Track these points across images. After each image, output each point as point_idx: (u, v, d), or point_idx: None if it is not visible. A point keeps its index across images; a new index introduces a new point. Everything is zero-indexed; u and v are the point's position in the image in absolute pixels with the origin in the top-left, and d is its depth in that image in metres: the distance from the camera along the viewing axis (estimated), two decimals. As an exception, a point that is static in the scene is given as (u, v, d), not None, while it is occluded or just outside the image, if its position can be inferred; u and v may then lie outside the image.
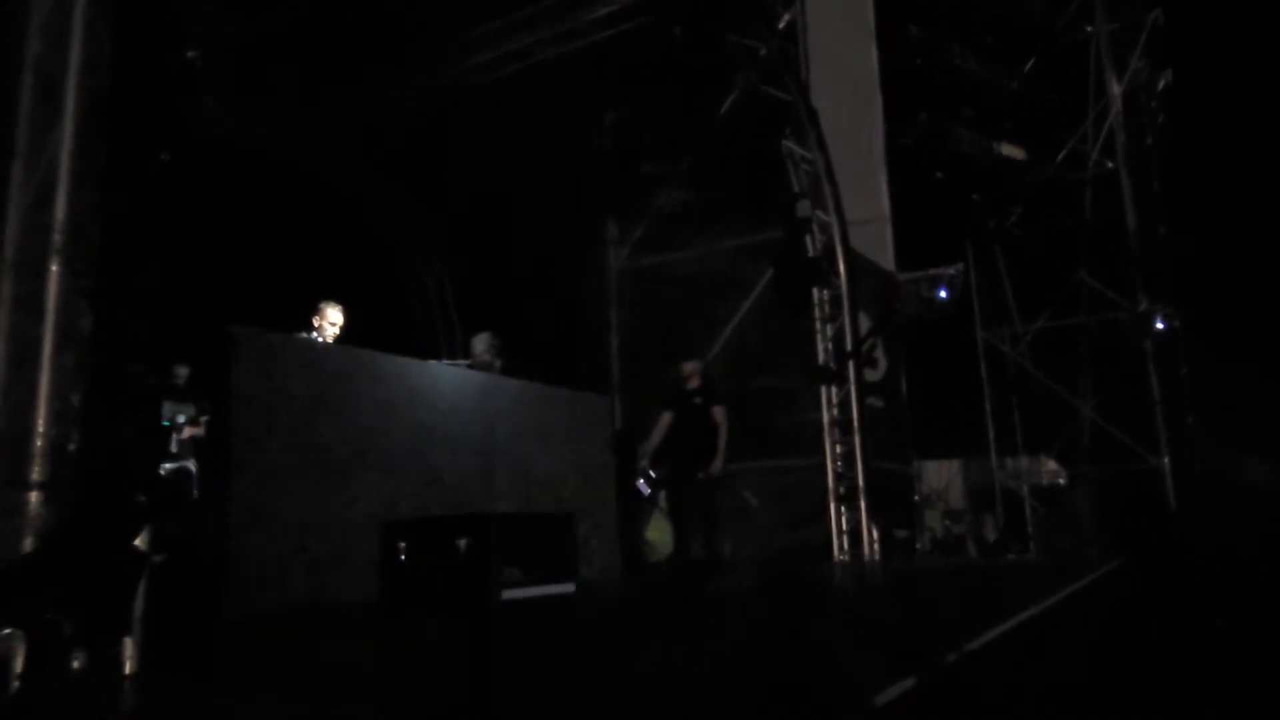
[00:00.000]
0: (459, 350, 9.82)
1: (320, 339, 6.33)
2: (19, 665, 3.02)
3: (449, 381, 6.91)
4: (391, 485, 5.88)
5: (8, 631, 3.04)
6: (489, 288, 10.04)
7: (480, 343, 7.45)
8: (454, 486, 6.32)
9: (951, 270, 11.30)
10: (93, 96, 3.48)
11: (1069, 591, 5.86)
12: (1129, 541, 10.86)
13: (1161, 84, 13.08)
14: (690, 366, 7.44)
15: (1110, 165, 12.58)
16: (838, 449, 9.54)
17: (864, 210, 10.28)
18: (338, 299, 6.57)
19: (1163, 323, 11.98)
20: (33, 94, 3.42)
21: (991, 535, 12.25)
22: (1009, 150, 12.24)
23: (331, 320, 6.38)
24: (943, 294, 11.29)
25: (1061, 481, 12.92)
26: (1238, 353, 13.79)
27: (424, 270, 10.83)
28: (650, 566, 9.32)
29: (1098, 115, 12.67)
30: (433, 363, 7.47)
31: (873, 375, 10.16)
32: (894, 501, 10.06)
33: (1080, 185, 12.65)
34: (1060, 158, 12.75)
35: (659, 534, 10.00)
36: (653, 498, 7.20)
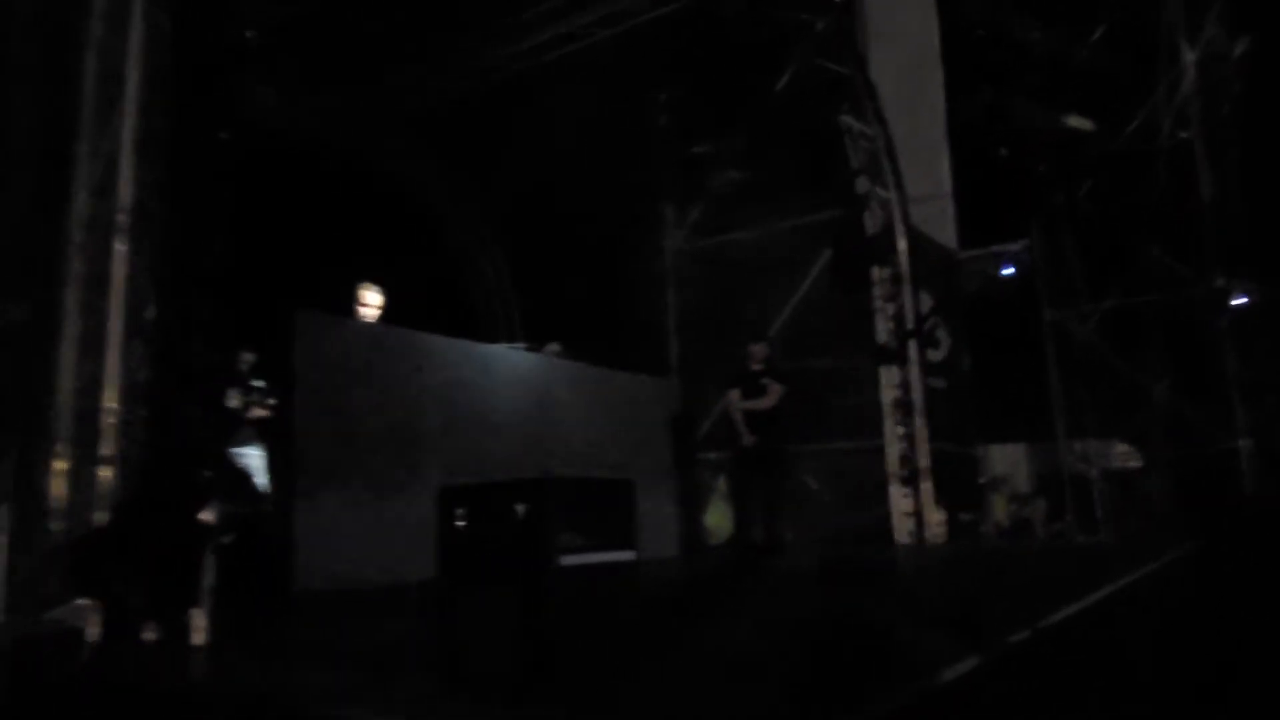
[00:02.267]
0: (517, 334, 9.87)
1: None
2: (92, 635, 3.10)
3: (508, 364, 6.94)
4: (451, 464, 5.92)
5: (81, 602, 3.13)
6: (545, 271, 10.05)
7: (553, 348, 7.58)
8: (512, 466, 6.34)
9: (1016, 247, 10.98)
10: (153, 78, 3.53)
11: (1142, 574, 5.66)
12: (1206, 525, 10.46)
13: (1239, 51, 12.48)
14: (758, 348, 7.37)
15: (1184, 136, 12.05)
16: (899, 430, 9.34)
17: (925, 186, 10.03)
18: (392, 283, 6.61)
19: (1241, 299, 11.47)
20: (95, 76, 3.48)
21: (1040, 519, 11.88)
22: (1076, 122, 11.81)
23: (370, 302, 6.41)
24: (1007, 271, 10.98)
25: (1134, 465, 12.49)
26: (1323, 329, 13.13)
27: (481, 255, 10.89)
28: (708, 549, 9.27)
29: (1170, 85, 12.14)
30: (492, 346, 7.51)
31: (935, 355, 9.93)
32: (958, 484, 9.84)
33: (1152, 157, 12.15)
34: (1131, 129, 12.26)
35: (717, 517, 9.94)
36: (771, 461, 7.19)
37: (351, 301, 6.37)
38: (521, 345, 7.93)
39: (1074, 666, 3.29)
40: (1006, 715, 2.68)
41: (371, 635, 3.55)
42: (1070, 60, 11.91)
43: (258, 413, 7.18)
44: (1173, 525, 11.08)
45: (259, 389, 7.18)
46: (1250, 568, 6.83)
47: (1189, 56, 12.10)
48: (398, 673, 2.54)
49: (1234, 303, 11.51)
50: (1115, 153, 12.06)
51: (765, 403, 6.97)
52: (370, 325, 6.27)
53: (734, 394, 7.27)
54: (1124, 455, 12.59)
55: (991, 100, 11.23)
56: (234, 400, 7.04)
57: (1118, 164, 12.05)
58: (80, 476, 3.24)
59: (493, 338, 9.69)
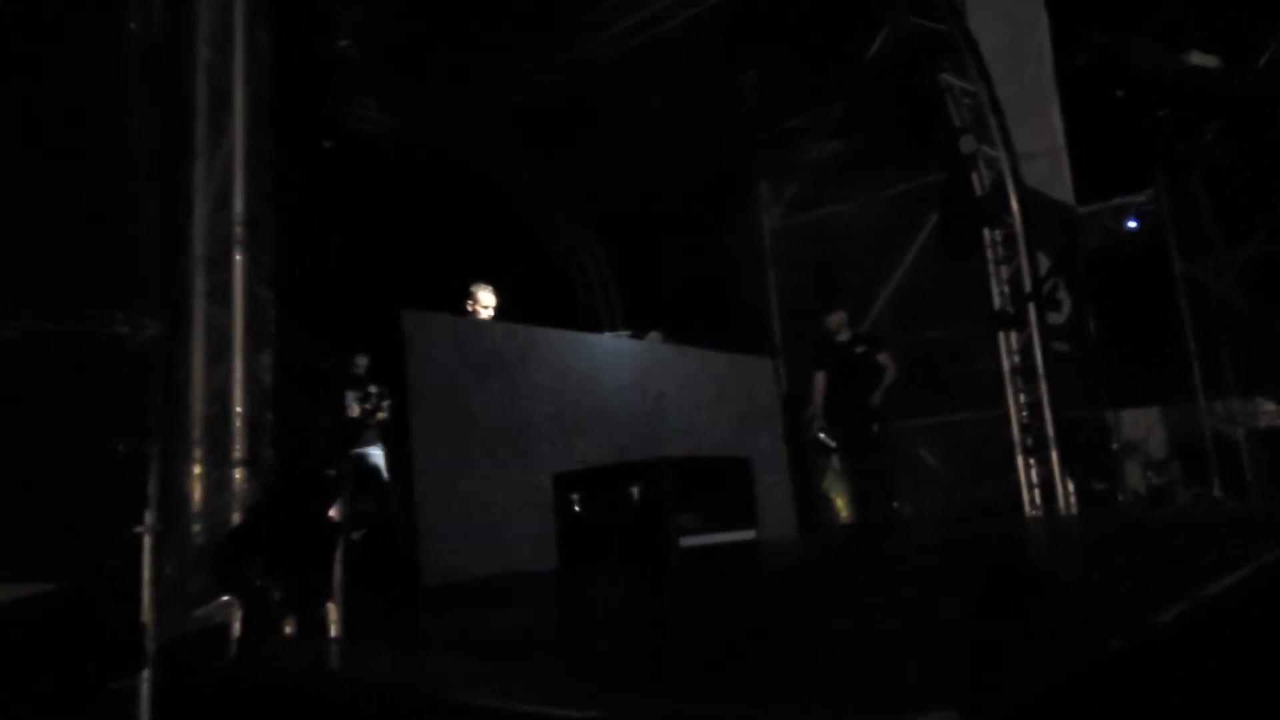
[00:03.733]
0: (619, 322, 9.90)
1: None
2: (236, 630, 3.24)
3: (614, 352, 6.96)
4: (564, 454, 5.97)
5: (225, 599, 3.27)
6: (644, 258, 10.05)
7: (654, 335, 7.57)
8: (622, 454, 6.35)
9: (1140, 198, 10.33)
10: (258, 94, 3.66)
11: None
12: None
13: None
14: (837, 318, 7.06)
15: (1324, 64, 11.07)
16: (1021, 398, 8.94)
17: (1036, 141, 9.53)
18: (495, 281, 6.70)
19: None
20: (206, 98, 3.63)
21: (1180, 484, 11.14)
22: (1200, 59, 10.98)
23: (484, 303, 6.50)
24: (1131, 224, 10.36)
25: (1284, 423, 11.61)
26: None
27: (580, 247, 10.98)
28: (826, 529, 9.10)
29: (1307, 9, 11.16)
30: (596, 335, 7.55)
31: (1056, 318, 9.45)
32: (1089, 451, 9.35)
33: (1289, 91, 11.19)
34: (1262, 62, 11.33)
35: (833, 497, 9.76)
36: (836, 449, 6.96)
37: (464, 300, 6.49)
38: (625, 333, 7.95)
39: (1234, 644, 3.06)
40: (1162, 696, 2.50)
41: (498, 623, 3.61)
42: (1190, -8, 11.08)
43: (378, 416, 7.42)
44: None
45: (375, 393, 7.41)
46: None
47: (1326, -23, 11.10)
48: (527, 659, 2.56)
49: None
50: (1245, 89, 11.18)
51: (885, 383, 6.66)
52: (476, 321, 6.38)
53: (819, 378, 6.99)
54: (1272, 414, 11.73)
55: (1103, 42, 10.55)
56: (353, 405, 7.29)
57: (1249, 101, 11.17)
58: (216, 479, 3.40)
59: (595, 328, 9.75)
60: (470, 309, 6.52)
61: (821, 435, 6.92)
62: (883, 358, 6.76)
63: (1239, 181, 11.31)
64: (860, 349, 6.86)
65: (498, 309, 6.56)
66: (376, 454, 7.50)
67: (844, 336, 7.01)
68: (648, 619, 2.22)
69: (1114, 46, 10.52)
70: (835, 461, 9.66)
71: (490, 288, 6.59)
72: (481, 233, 9.15)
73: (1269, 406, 11.62)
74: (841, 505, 9.81)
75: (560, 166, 10.30)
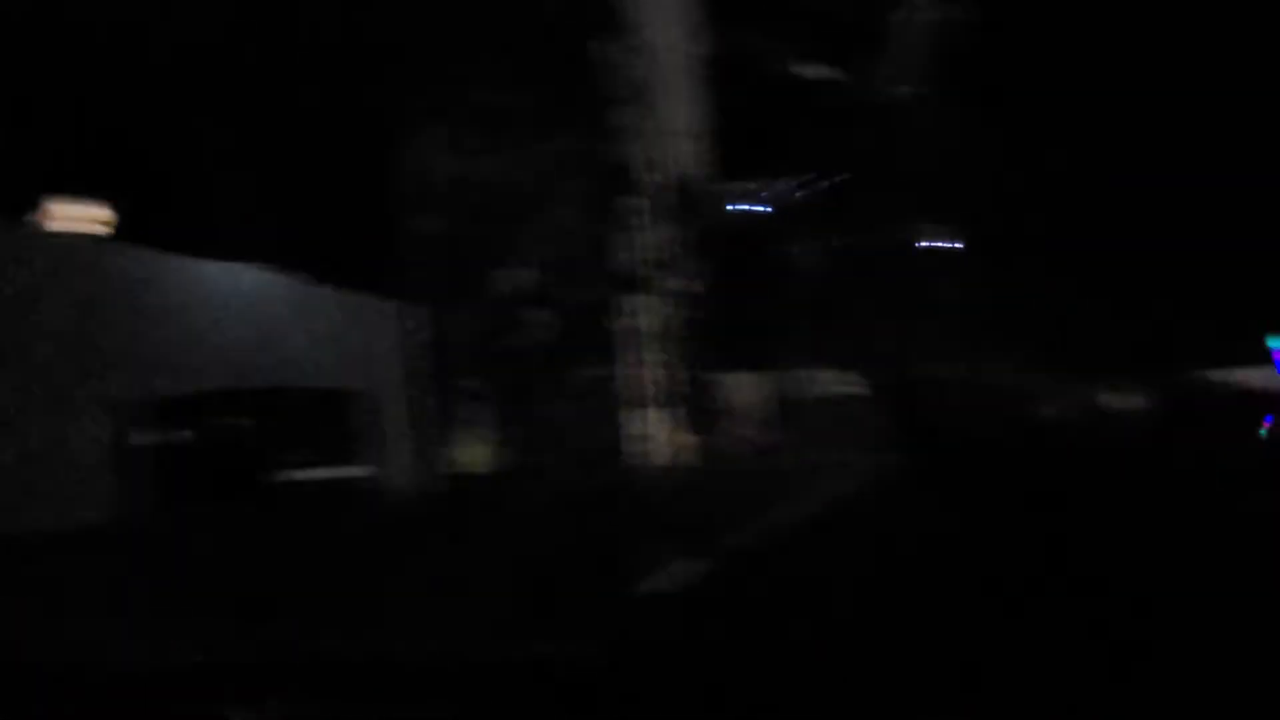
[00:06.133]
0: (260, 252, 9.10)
1: None
2: None
3: (232, 282, 6.47)
4: (165, 385, 5.40)
5: None
6: (294, 188, 9.31)
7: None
8: (232, 385, 5.89)
9: (753, 185, 11.61)
10: None
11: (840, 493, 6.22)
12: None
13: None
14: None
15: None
16: (645, 357, 9.74)
17: (681, 121, 10.31)
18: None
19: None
20: None
21: (770, 442, 12.74)
22: (815, 71, 12.63)
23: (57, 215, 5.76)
24: (753, 208, 11.61)
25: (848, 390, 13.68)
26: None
27: (224, 167, 9.84)
28: (449, 475, 9.21)
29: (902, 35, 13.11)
30: (216, 263, 6.91)
31: (679, 285, 10.40)
32: (696, 409, 10.41)
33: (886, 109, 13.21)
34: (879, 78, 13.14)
35: (464, 445, 9.89)
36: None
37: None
38: (251, 265, 7.37)
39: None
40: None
41: (79, 567, 3.25)
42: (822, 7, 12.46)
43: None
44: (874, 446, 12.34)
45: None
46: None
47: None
48: (118, 605, 2.34)
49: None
50: (852, 98, 13.00)
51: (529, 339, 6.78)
52: (72, 237, 5.59)
53: None
54: (830, 381, 13.65)
55: (746, 44, 11.66)
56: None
57: (853, 109, 13.00)
58: None
59: (233, 256, 8.89)
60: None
61: None
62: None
63: (840, 180, 13.20)
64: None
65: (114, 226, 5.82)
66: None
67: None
68: (247, 556, 2.17)
69: (754, 47, 11.69)
70: (468, 411, 9.80)
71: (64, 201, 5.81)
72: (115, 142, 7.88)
73: (829, 375, 13.73)
74: (474, 454, 9.98)
75: (226, 85, 9.15)
